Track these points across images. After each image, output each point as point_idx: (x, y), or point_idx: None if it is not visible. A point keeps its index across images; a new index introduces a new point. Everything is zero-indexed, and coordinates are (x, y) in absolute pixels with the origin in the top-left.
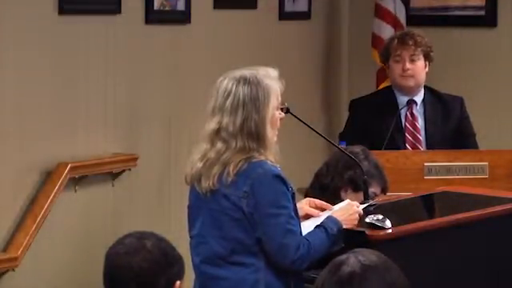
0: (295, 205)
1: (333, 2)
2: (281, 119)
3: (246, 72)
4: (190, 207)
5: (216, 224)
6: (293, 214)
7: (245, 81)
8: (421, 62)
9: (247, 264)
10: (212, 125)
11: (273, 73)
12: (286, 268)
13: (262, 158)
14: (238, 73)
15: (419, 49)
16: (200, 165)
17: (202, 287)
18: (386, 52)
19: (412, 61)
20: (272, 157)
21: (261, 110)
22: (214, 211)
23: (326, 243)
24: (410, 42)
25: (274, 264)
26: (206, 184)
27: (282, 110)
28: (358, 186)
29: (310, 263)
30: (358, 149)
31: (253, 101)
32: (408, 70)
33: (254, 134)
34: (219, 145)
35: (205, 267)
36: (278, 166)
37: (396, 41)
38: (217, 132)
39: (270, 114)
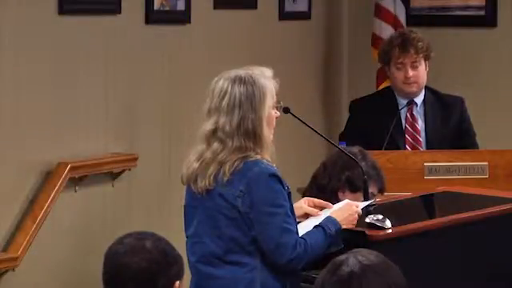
0: (291, 204)
1: (333, 2)
2: (276, 118)
3: (241, 72)
4: (185, 207)
5: (211, 223)
6: (289, 212)
7: (240, 80)
8: (422, 67)
9: (243, 263)
10: (208, 125)
11: (267, 72)
12: (283, 267)
13: (258, 157)
14: (233, 73)
15: (420, 55)
16: (196, 165)
17: (197, 287)
18: (386, 56)
19: (414, 67)
20: (268, 156)
21: (257, 109)
22: (210, 210)
23: (323, 243)
24: (412, 50)
25: (270, 263)
26: (202, 183)
27: (277, 108)
28: (356, 187)
29: (307, 263)
30: (355, 149)
31: (249, 100)
32: (411, 77)
33: (250, 134)
34: (216, 145)
35: (200, 266)
36: (274, 165)
37: (397, 48)
38: (213, 132)
39: (266, 112)
